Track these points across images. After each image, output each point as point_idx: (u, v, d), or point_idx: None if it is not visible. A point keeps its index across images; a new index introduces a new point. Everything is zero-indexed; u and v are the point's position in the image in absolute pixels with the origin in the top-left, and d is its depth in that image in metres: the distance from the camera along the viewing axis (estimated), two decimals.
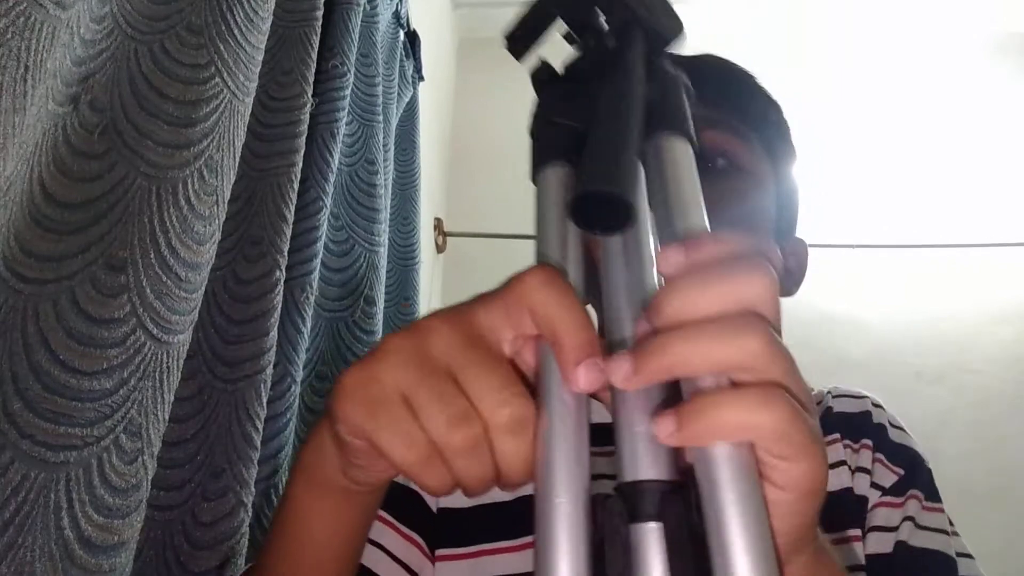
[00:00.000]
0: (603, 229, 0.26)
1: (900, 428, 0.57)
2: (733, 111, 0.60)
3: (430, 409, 0.27)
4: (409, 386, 0.27)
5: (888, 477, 0.53)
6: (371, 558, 0.52)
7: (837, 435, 0.55)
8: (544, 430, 0.25)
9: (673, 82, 0.32)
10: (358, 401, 0.28)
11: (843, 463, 0.53)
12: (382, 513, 0.55)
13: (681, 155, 0.30)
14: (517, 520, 0.52)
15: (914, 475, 0.53)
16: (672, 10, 0.33)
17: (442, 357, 0.28)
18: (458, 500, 0.54)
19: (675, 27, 0.33)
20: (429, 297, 1.62)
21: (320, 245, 0.75)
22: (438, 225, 1.77)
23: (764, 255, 0.26)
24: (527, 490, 0.57)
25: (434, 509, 0.55)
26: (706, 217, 0.28)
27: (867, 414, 0.56)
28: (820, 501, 0.26)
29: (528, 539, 0.56)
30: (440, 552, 0.53)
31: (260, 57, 0.57)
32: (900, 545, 0.49)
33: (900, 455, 0.54)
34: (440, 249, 1.79)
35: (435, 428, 0.26)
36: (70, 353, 0.41)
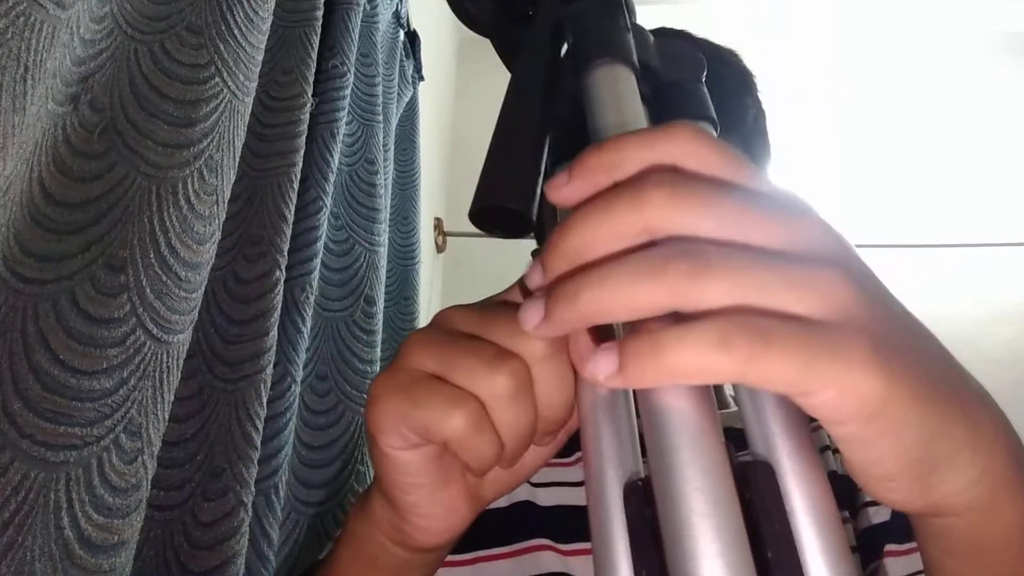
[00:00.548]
0: (507, 233, 0.25)
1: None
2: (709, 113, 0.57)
3: (465, 363, 0.26)
4: (437, 359, 0.26)
5: None
6: None
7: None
8: (586, 415, 0.24)
9: (588, 8, 0.29)
10: (390, 395, 0.27)
11: (827, 447, 0.52)
12: None
13: (602, 82, 0.27)
14: (512, 526, 0.52)
15: None
16: None
17: (463, 327, 0.27)
18: None
19: None
20: (429, 297, 1.62)
21: (320, 245, 0.75)
22: (438, 225, 1.77)
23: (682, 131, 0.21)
24: (520, 496, 0.57)
25: None
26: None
27: None
28: (905, 415, 0.19)
29: (521, 545, 0.56)
30: None
31: (260, 57, 0.57)
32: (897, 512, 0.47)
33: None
34: (440, 249, 1.79)
35: (476, 378, 0.25)
36: (70, 353, 0.41)
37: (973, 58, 2.00)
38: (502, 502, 0.54)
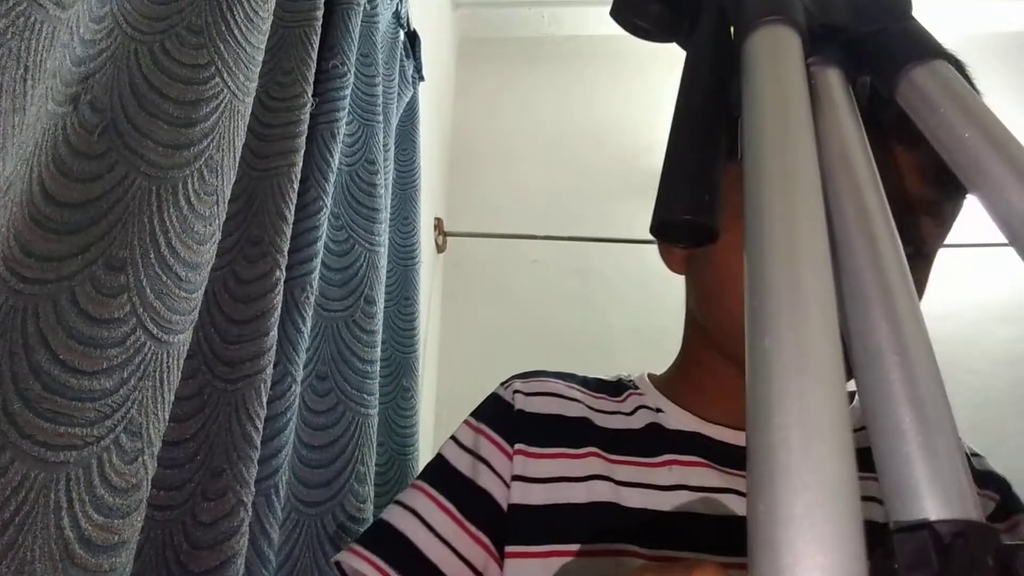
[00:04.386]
0: (690, 244, 0.24)
1: (978, 455, 0.57)
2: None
3: None
4: None
5: (986, 505, 0.52)
6: (439, 556, 0.52)
7: None
8: None
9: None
10: None
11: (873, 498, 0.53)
12: (451, 510, 0.54)
13: (759, 46, 0.23)
14: (590, 523, 0.51)
15: (1010, 499, 0.53)
16: None
17: None
18: (530, 497, 0.54)
19: None
20: (429, 297, 1.62)
21: (320, 245, 0.75)
22: (438, 225, 1.77)
23: None
24: (604, 495, 0.55)
25: (504, 506, 0.54)
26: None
27: None
28: None
29: (602, 546, 0.54)
30: (510, 549, 0.52)
31: (260, 57, 0.57)
32: None
33: (989, 482, 0.54)
34: (440, 249, 1.79)
35: None
36: (70, 353, 0.41)
37: (973, 58, 2.00)
38: (580, 499, 0.53)
